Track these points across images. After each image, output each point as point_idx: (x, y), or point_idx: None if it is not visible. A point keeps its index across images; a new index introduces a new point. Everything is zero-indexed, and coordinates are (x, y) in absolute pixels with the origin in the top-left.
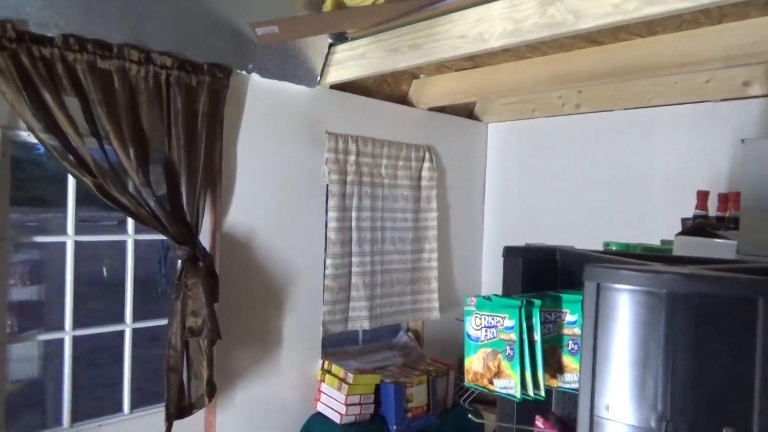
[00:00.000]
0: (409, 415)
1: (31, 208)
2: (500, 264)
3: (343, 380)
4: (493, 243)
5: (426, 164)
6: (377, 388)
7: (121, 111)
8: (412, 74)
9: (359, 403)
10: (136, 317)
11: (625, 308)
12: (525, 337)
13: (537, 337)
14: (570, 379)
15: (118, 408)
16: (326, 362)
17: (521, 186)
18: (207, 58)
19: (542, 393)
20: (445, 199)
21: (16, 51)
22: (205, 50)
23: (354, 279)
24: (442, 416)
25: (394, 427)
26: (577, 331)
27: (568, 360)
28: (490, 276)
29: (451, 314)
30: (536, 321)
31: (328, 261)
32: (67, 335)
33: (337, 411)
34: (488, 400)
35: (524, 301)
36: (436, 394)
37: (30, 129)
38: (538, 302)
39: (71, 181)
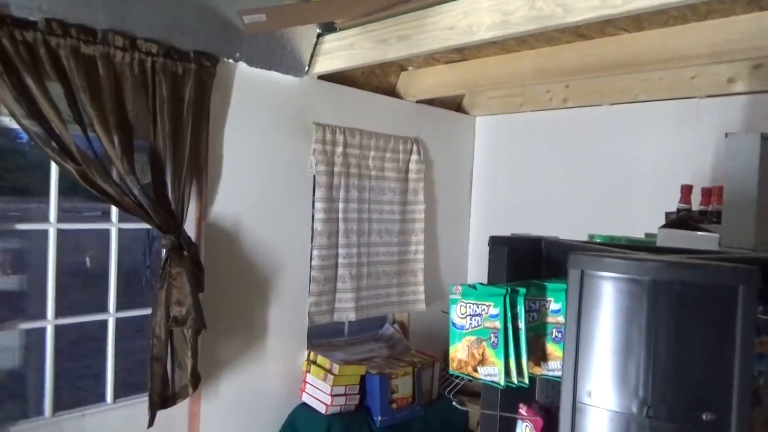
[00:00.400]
0: (394, 406)
1: (12, 198)
2: (486, 257)
3: (328, 371)
4: (479, 236)
5: (413, 157)
6: (362, 379)
7: (106, 98)
8: (401, 66)
9: (345, 394)
10: (119, 308)
11: (608, 295)
12: (510, 325)
13: (521, 325)
14: (554, 366)
15: (101, 398)
16: (312, 353)
17: (508, 179)
18: (193, 45)
19: (526, 380)
20: (433, 191)
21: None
22: (191, 38)
23: (340, 270)
24: (427, 407)
25: (379, 417)
26: (561, 319)
27: (551, 348)
28: (476, 269)
29: (437, 306)
30: (521, 309)
31: (315, 252)
32: (50, 324)
33: (322, 401)
34: (473, 392)
35: (509, 290)
36: (422, 386)
37: (12, 114)
38: (522, 290)
39: (54, 169)
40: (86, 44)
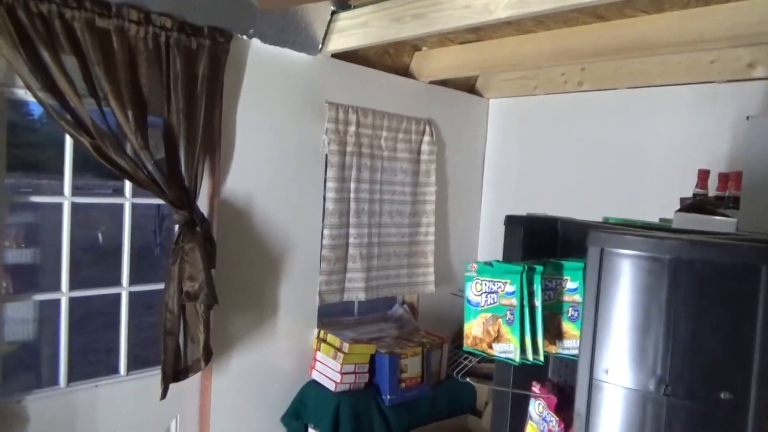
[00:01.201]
0: (403, 385)
1: (25, 174)
2: (498, 240)
3: (338, 349)
4: (490, 219)
5: (426, 138)
6: (372, 358)
7: (120, 72)
8: (414, 46)
9: (354, 372)
10: (132, 283)
11: (627, 274)
12: (526, 302)
13: (538, 302)
14: (569, 345)
15: (113, 370)
16: (322, 331)
17: (521, 162)
18: (207, 20)
19: (541, 358)
20: (444, 173)
21: (12, 6)
22: (205, 13)
23: (351, 250)
24: (435, 387)
25: (388, 396)
26: (577, 298)
27: (567, 326)
28: (487, 252)
29: (447, 288)
30: (537, 287)
31: (326, 231)
32: (64, 296)
33: (332, 379)
34: (482, 374)
35: (526, 267)
36: (430, 366)
37: (27, 87)
38: (539, 268)
39: (68, 142)
40: (101, 17)
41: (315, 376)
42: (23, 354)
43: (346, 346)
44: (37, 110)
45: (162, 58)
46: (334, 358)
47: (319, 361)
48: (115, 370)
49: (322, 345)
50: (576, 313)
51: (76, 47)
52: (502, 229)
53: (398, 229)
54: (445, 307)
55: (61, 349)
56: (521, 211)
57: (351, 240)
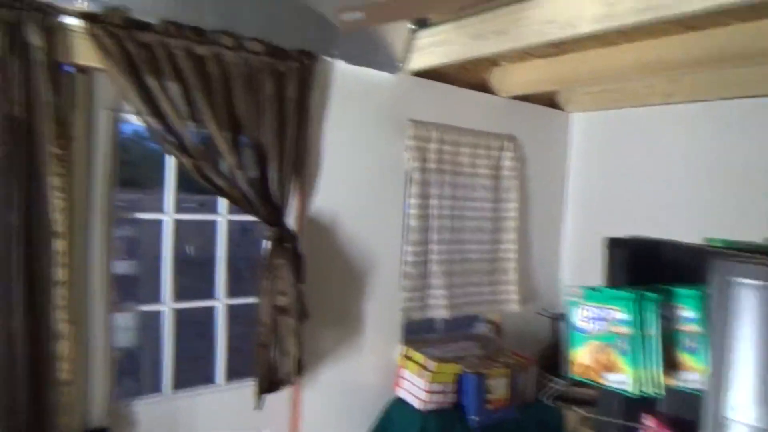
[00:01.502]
0: (490, 406)
1: (122, 189)
2: (585, 260)
3: (424, 367)
4: (574, 236)
5: (507, 154)
6: (457, 377)
7: (217, 95)
8: (493, 61)
9: (441, 392)
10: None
11: (755, 305)
12: (641, 331)
13: (653, 332)
14: (688, 377)
15: (209, 380)
16: (407, 348)
17: (605, 178)
18: (294, 44)
19: (662, 391)
20: (526, 190)
21: (122, 38)
22: (292, 36)
23: (433, 267)
24: (522, 410)
25: (474, 417)
26: (694, 328)
27: (684, 358)
28: (573, 272)
29: (530, 307)
30: (652, 316)
31: (408, 248)
32: (167, 307)
33: (418, 397)
34: (571, 398)
35: (640, 294)
36: (517, 388)
37: (137, 112)
38: (654, 296)
39: (169, 162)
40: (198, 44)
41: (401, 393)
42: (126, 360)
43: (432, 365)
44: (130, 129)
45: (253, 81)
46: (420, 376)
47: (405, 379)
48: (211, 379)
49: (408, 362)
50: (694, 344)
51: (177, 73)
52: (588, 248)
53: (480, 246)
54: (530, 326)
55: (164, 358)
56: (606, 227)
57: (433, 257)
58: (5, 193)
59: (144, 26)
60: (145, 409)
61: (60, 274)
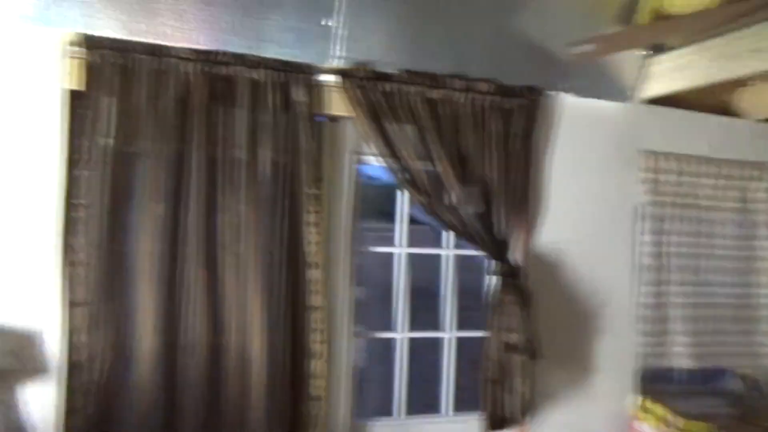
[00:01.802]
0: None
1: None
2: None
3: (666, 422)
4: None
5: (761, 185)
6: None
7: (446, 135)
8: (741, 82)
9: None
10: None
11: None
12: None
13: None
14: None
15: (435, 409)
16: (644, 399)
17: None
18: (520, 81)
19: None
20: None
21: (368, 88)
22: (518, 74)
23: (672, 310)
24: None
25: None
26: None
27: None
28: None
29: None
30: None
31: (643, 288)
32: (400, 335)
33: None
34: None
35: None
36: None
37: (380, 154)
38: None
39: (400, 198)
40: (431, 89)
41: None
42: (362, 383)
43: (679, 421)
44: (387, 169)
45: (480, 119)
46: None
47: (640, 431)
48: (437, 409)
49: (646, 414)
50: None
51: (413, 117)
52: None
53: (729, 290)
54: None
55: (397, 384)
56: None
57: (672, 299)
58: (271, 228)
59: (386, 77)
60: (380, 429)
61: (315, 299)
